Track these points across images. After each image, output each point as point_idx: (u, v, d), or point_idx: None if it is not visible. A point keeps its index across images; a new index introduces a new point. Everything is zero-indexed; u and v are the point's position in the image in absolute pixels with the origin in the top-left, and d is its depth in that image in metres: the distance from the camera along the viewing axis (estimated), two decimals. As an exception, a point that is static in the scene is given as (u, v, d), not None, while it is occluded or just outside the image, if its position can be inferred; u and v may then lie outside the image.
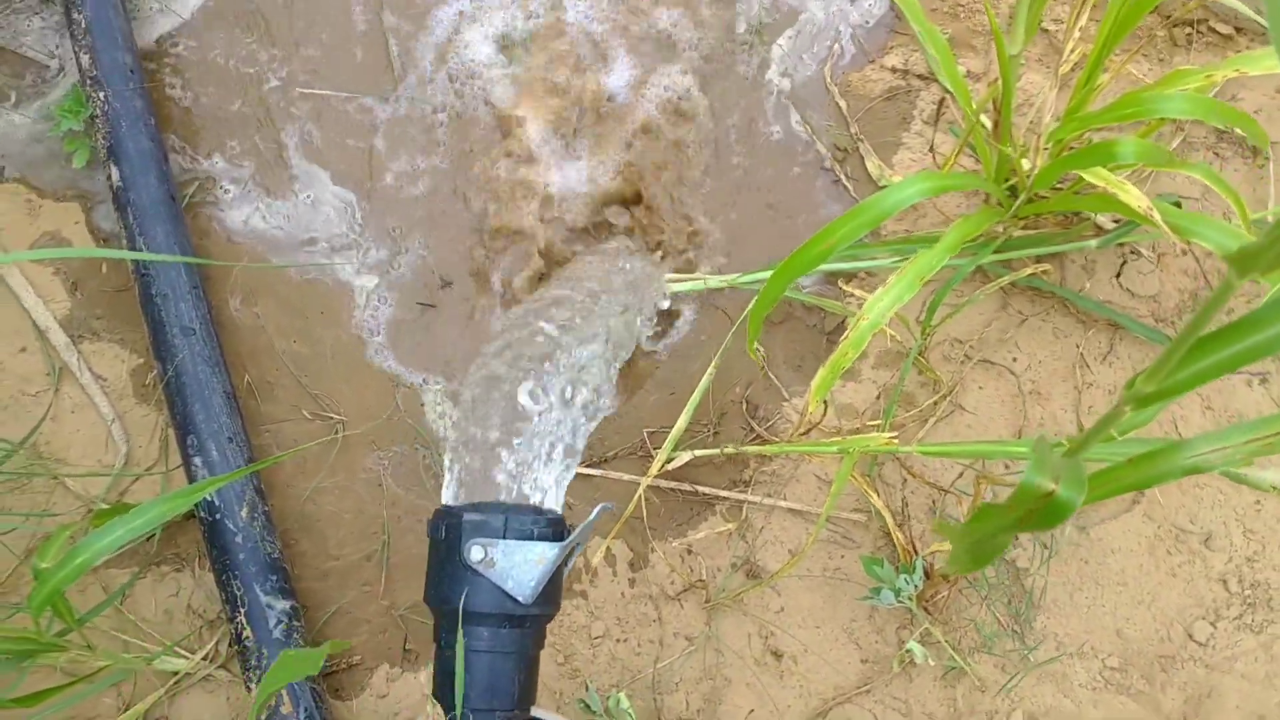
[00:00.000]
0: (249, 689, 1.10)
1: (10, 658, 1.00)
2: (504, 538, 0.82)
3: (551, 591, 0.84)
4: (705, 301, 1.26)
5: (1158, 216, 0.91)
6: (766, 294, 0.93)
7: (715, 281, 1.21)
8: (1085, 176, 0.94)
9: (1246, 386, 1.18)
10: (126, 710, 1.15)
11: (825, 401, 1.11)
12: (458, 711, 0.81)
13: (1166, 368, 0.58)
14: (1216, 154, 1.24)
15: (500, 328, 1.05)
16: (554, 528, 0.84)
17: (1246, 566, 1.12)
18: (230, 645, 1.16)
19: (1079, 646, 1.12)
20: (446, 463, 0.92)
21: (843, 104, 1.30)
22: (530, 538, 0.82)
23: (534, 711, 0.88)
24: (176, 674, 1.16)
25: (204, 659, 1.17)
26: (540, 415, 0.91)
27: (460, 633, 0.82)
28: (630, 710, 1.05)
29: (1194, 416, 1.16)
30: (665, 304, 1.21)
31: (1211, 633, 1.11)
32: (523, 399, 0.92)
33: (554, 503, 0.90)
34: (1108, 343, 1.20)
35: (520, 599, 0.81)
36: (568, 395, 0.94)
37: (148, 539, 1.20)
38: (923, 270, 0.94)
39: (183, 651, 1.17)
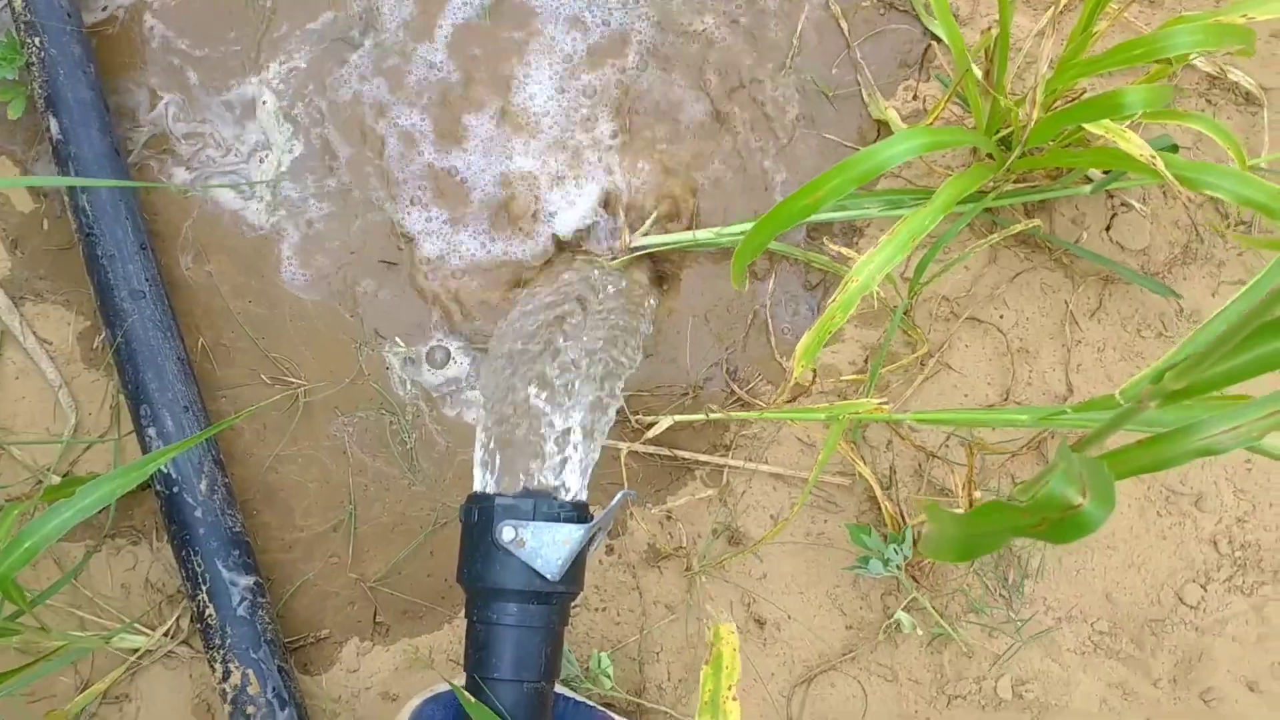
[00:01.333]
0: (213, 668, 1.06)
1: (-41, 645, 0.95)
2: (533, 519, 0.88)
3: (576, 572, 0.90)
4: (691, 265, 1.21)
5: (1161, 165, 0.86)
6: (748, 244, 0.89)
7: (704, 235, 1.16)
8: (1086, 126, 0.90)
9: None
10: (85, 689, 1.10)
11: (814, 370, 1.08)
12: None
13: (1204, 364, 0.54)
14: (1209, 101, 1.20)
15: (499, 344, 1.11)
16: (579, 511, 0.91)
17: (1237, 527, 1.10)
18: (192, 622, 1.11)
19: (1068, 611, 1.09)
20: (477, 453, 0.99)
21: (844, 24, 1.25)
22: (557, 519, 0.89)
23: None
24: (136, 651, 1.11)
25: (165, 635, 1.12)
26: (558, 416, 0.99)
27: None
28: (609, 669, 1.02)
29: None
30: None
31: (1202, 595, 1.09)
32: (537, 403, 1.01)
33: (578, 490, 0.97)
34: (1096, 298, 1.16)
35: (548, 576, 0.87)
36: (581, 401, 1.02)
37: (101, 512, 1.14)
38: (915, 230, 0.89)
39: (142, 628, 1.12)
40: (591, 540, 0.92)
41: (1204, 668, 1.07)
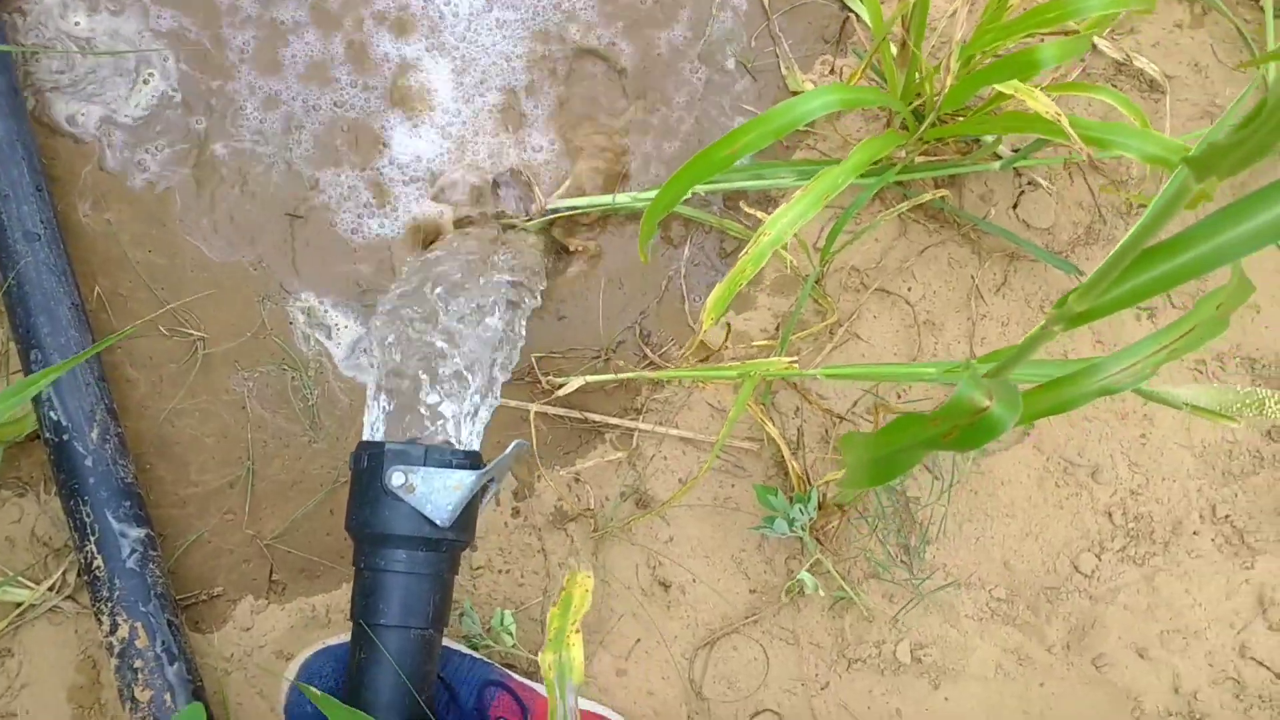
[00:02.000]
0: (99, 621, 1.02)
1: None
2: (424, 465, 0.88)
3: (467, 520, 0.91)
4: (607, 230, 1.20)
5: (1066, 123, 0.88)
6: (663, 197, 0.89)
7: (622, 199, 1.16)
8: (999, 89, 0.91)
9: (1135, 320, 1.18)
10: (-38, 644, 1.06)
11: (728, 325, 1.08)
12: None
13: (1103, 284, 0.55)
14: (1115, 85, 1.23)
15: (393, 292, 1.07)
16: (472, 459, 0.91)
17: (1131, 499, 1.13)
18: (79, 575, 1.07)
19: (967, 578, 1.11)
20: (369, 404, 0.98)
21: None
22: (449, 466, 0.88)
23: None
24: (20, 605, 1.07)
25: (50, 589, 1.08)
26: (453, 365, 0.98)
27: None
28: (511, 627, 1.01)
29: (1084, 349, 1.16)
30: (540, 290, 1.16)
31: (1096, 565, 1.11)
32: (433, 352, 0.99)
33: (471, 440, 0.97)
34: (1002, 275, 1.19)
35: (438, 522, 0.87)
36: (479, 351, 1.01)
37: (-14, 461, 1.10)
38: (827, 188, 0.90)
39: (26, 582, 1.08)
40: (485, 491, 0.92)
41: (1096, 635, 1.10)
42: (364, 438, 0.97)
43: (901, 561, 1.11)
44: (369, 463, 0.89)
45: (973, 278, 1.18)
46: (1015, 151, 1.15)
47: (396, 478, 0.87)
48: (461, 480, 0.87)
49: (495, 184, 1.20)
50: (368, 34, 1.23)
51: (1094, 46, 1.23)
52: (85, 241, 1.17)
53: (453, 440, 0.95)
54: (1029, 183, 1.20)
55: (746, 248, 0.89)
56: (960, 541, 1.12)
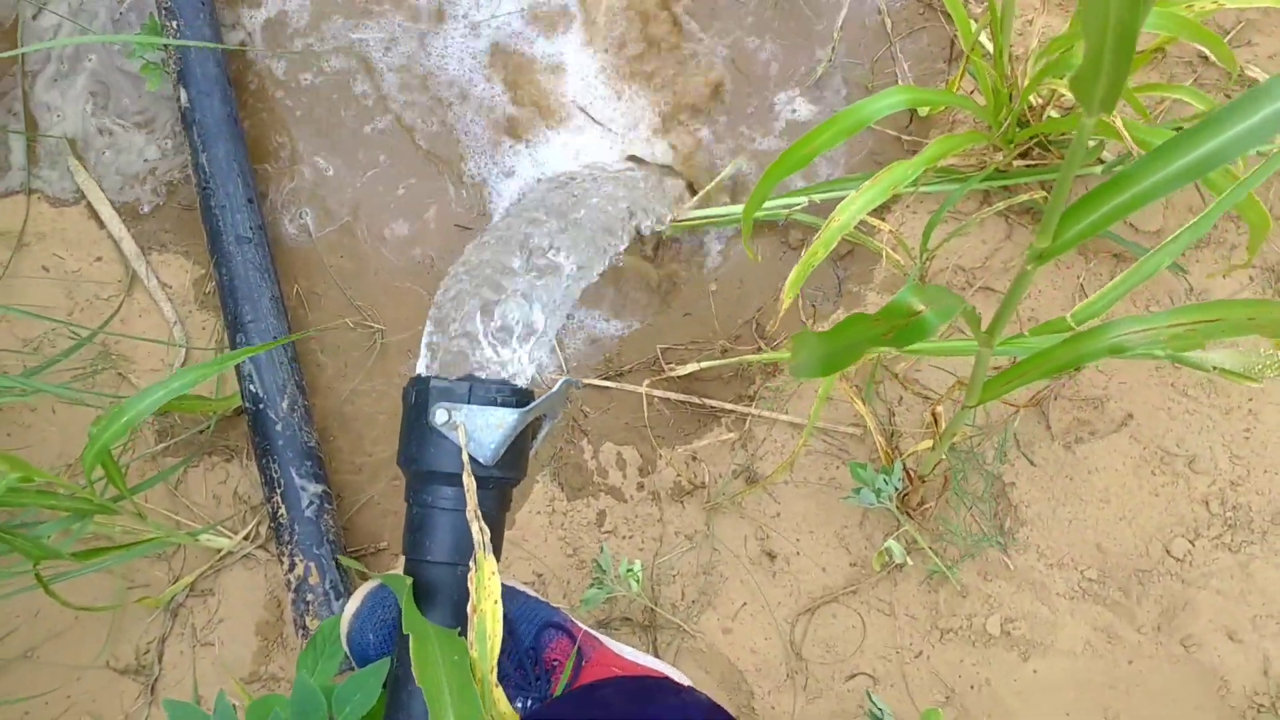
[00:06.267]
0: (281, 561, 1.20)
1: (70, 516, 1.11)
2: (468, 403, 0.87)
3: (514, 457, 0.89)
4: (729, 231, 1.33)
5: (1119, 123, 0.95)
6: (756, 195, 1.00)
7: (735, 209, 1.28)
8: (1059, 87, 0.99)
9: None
10: (176, 581, 1.26)
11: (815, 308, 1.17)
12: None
13: (1052, 224, 0.64)
14: (1227, 95, 1.27)
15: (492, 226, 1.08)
16: (518, 397, 0.89)
17: (1230, 490, 1.15)
18: (269, 526, 1.26)
19: (1059, 558, 1.16)
20: (424, 338, 0.96)
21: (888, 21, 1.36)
22: (494, 404, 0.87)
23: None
24: (220, 551, 1.27)
25: (245, 538, 1.27)
26: (516, 302, 0.95)
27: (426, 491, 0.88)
28: (639, 575, 1.11)
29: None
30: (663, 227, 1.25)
31: (1189, 550, 1.14)
32: (496, 284, 0.96)
33: (523, 379, 0.94)
34: (1108, 274, 1.23)
35: (481, 460, 0.86)
36: (545, 287, 0.98)
37: (200, 431, 1.31)
38: (896, 179, 0.99)
39: (226, 531, 1.28)
40: (537, 427, 0.93)
41: (1186, 616, 1.12)
42: (417, 371, 0.95)
43: (996, 542, 1.17)
44: (417, 399, 0.89)
45: (1078, 278, 1.23)
46: (1119, 157, 1.21)
47: (440, 415, 0.86)
48: (504, 418, 0.86)
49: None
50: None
51: (1206, 58, 1.27)
52: (288, 248, 1.38)
53: (505, 374, 0.92)
54: (1135, 187, 1.24)
55: (819, 233, 1.00)
56: (1054, 524, 1.17)
